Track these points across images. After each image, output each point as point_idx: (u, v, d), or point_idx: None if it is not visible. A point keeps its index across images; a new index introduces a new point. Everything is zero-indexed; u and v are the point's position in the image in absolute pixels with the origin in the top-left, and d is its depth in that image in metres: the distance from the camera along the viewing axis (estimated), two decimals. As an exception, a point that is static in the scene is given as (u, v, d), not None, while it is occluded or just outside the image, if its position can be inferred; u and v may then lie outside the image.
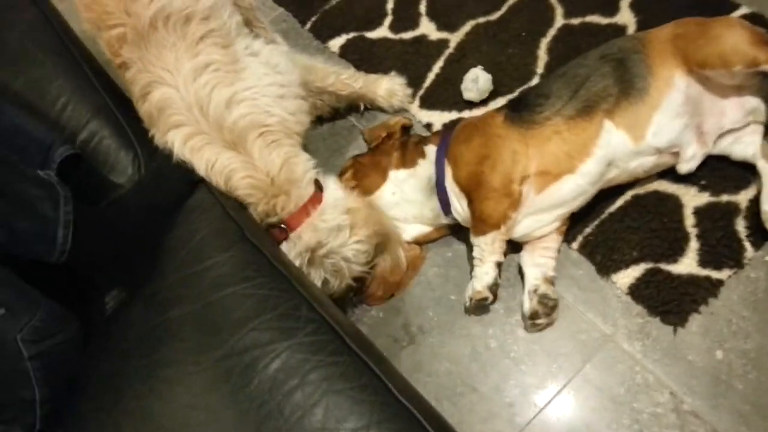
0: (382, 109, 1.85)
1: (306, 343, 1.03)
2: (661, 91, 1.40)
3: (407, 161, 1.61)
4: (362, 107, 1.84)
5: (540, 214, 1.48)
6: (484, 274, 1.46)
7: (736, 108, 1.46)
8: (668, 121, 1.41)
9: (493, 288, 1.47)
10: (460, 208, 1.51)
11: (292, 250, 1.37)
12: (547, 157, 1.43)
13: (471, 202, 1.47)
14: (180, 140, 1.30)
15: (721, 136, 1.49)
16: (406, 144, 1.64)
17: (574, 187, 1.45)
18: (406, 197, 1.60)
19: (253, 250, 1.16)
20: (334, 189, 1.45)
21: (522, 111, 1.47)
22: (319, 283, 1.39)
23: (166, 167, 1.32)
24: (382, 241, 1.49)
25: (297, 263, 1.36)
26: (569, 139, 1.42)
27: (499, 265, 1.47)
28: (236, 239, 1.18)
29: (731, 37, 1.37)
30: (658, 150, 1.45)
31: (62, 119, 1.36)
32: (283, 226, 1.38)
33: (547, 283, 1.48)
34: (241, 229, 1.20)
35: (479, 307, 1.51)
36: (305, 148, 1.50)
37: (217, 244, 1.18)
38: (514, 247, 1.56)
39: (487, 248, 1.46)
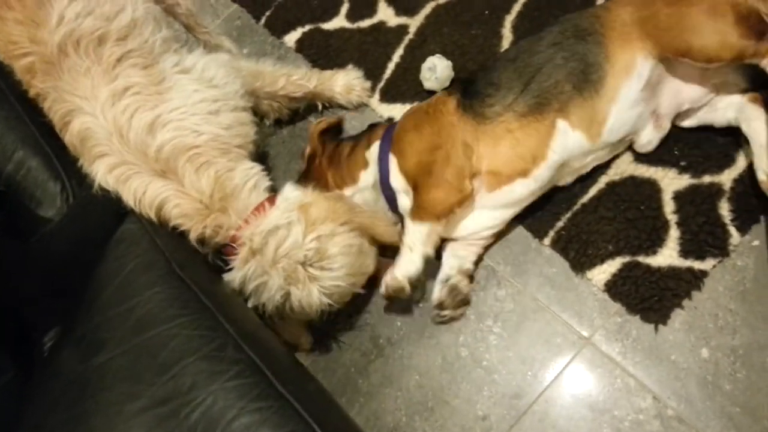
0: (341, 106, 1.75)
1: (229, 388, 0.95)
2: (618, 79, 1.28)
3: (346, 178, 1.50)
4: (320, 106, 1.74)
5: (488, 210, 1.39)
6: (408, 263, 1.35)
7: (697, 87, 1.33)
8: (625, 113, 1.30)
9: (414, 282, 1.36)
10: (407, 203, 1.40)
11: (238, 267, 1.27)
12: (499, 158, 1.33)
13: (416, 189, 1.36)
14: (104, 171, 1.23)
15: (684, 112, 1.38)
16: (336, 157, 1.53)
17: (526, 191, 1.36)
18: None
19: (180, 285, 1.09)
20: (289, 190, 1.35)
21: (472, 100, 1.35)
22: (276, 300, 1.25)
23: (94, 197, 1.25)
24: (361, 233, 1.34)
25: (246, 281, 1.26)
26: (522, 139, 1.31)
27: (427, 259, 1.36)
28: (163, 273, 1.11)
29: (715, 28, 1.21)
30: (612, 144, 1.34)
31: (-13, 152, 1.30)
32: (231, 244, 1.29)
33: (462, 275, 1.41)
34: (168, 263, 1.13)
35: (394, 298, 1.40)
36: (264, 156, 1.42)
37: (143, 280, 1.11)
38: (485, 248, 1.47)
39: (420, 238, 1.35)
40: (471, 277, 1.44)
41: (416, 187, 1.37)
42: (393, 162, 1.41)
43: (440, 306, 1.40)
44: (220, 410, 0.93)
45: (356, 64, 1.75)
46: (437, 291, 1.41)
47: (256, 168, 1.36)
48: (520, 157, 1.32)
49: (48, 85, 1.25)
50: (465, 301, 1.42)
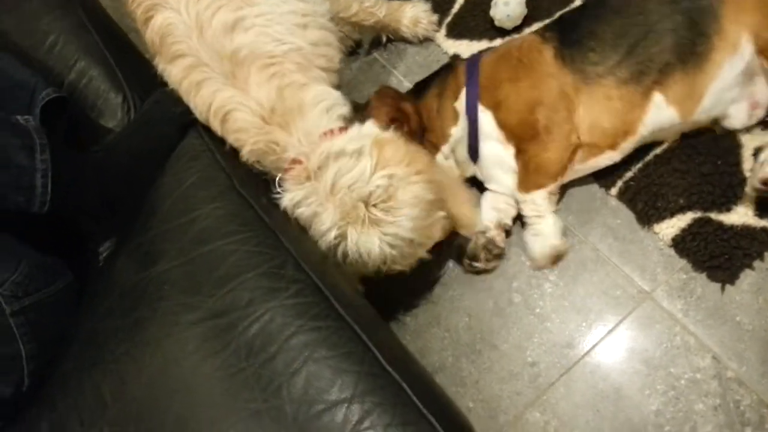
0: (405, 39, 1.69)
1: (288, 306, 0.94)
2: (724, 55, 1.20)
3: (440, 137, 1.41)
4: (384, 39, 1.68)
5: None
6: (553, 226, 1.33)
7: None
8: (721, 93, 1.23)
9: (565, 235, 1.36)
10: (505, 156, 1.34)
11: (289, 189, 1.14)
12: (596, 129, 1.27)
13: (523, 154, 1.31)
14: (178, 75, 1.19)
15: None
16: (427, 116, 1.41)
17: (608, 163, 1.33)
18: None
19: (241, 202, 1.07)
20: (368, 125, 1.18)
21: (573, 50, 1.28)
22: (330, 239, 1.10)
23: (157, 111, 1.23)
24: (437, 197, 1.18)
25: (296, 206, 1.13)
26: (619, 109, 1.25)
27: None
28: (224, 189, 1.09)
29: None
30: (698, 123, 1.28)
31: (50, 59, 1.28)
32: (289, 166, 1.15)
33: (499, 229, 1.37)
34: (230, 179, 1.11)
35: (558, 259, 1.37)
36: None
37: (203, 194, 1.09)
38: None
39: (545, 204, 1.32)
40: (508, 232, 1.40)
41: (522, 150, 1.32)
42: (486, 114, 1.34)
43: (474, 257, 1.37)
44: (278, 326, 0.92)
45: (424, -3, 1.68)
46: (473, 241, 1.38)
47: (335, 93, 1.23)
48: (614, 128, 1.27)
49: None
50: (499, 255, 1.38)
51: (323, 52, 1.27)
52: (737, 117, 1.29)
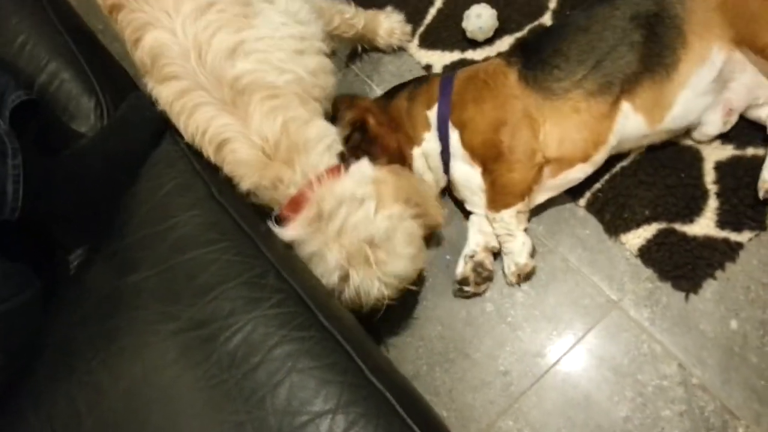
0: (379, 49, 1.70)
1: (271, 316, 0.93)
2: (691, 66, 1.24)
3: (410, 139, 1.42)
4: (359, 49, 1.69)
5: (536, 194, 1.38)
6: (521, 245, 1.35)
7: None
8: (692, 101, 1.27)
9: (533, 255, 1.37)
10: (471, 174, 1.38)
11: (298, 225, 1.15)
12: (565, 142, 1.30)
13: (489, 174, 1.34)
14: (171, 96, 1.14)
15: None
16: (395, 116, 1.42)
17: (582, 176, 1.35)
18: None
19: (220, 210, 1.06)
20: (364, 164, 1.22)
21: (537, 71, 1.31)
22: (333, 279, 1.14)
23: (131, 115, 1.20)
24: (420, 211, 1.26)
25: (302, 243, 1.16)
26: (588, 121, 1.28)
27: (526, 231, 1.37)
28: (202, 197, 1.08)
29: None
30: (670, 132, 1.32)
31: (19, 61, 1.24)
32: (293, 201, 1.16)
33: (488, 252, 1.39)
34: (207, 186, 1.10)
35: (527, 278, 1.39)
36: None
37: (180, 201, 1.08)
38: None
39: (513, 222, 1.34)
40: (495, 254, 1.41)
41: (488, 170, 1.34)
42: (454, 133, 1.37)
43: (464, 282, 1.39)
44: (260, 337, 0.91)
45: (397, 7, 1.69)
46: (461, 266, 1.39)
47: (333, 129, 1.25)
48: (584, 140, 1.29)
49: None
50: (489, 278, 1.39)
51: (320, 82, 1.25)
52: (712, 124, 1.33)
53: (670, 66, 1.25)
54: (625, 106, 1.28)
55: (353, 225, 1.13)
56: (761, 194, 1.27)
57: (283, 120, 1.14)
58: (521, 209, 1.34)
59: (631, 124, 1.29)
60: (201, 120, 1.15)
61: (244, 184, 1.17)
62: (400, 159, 1.38)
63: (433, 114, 1.40)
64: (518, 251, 1.35)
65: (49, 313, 1.09)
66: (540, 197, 1.39)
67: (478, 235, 1.40)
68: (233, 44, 1.12)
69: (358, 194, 1.15)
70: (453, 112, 1.37)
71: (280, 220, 1.17)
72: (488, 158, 1.33)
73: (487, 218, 1.38)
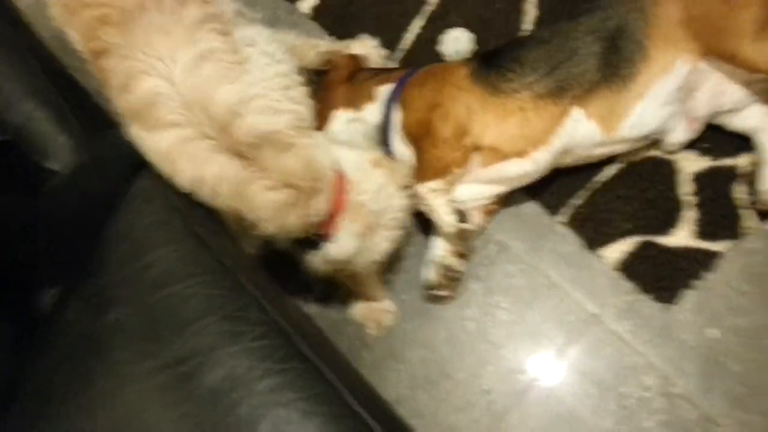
0: (355, 75, 1.70)
1: (253, 349, 0.93)
2: (652, 78, 1.26)
3: (352, 101, 1.49)
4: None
5: (476, 185, 1.38)
6: (444, 207, 1.34)
7: (741, 91, 1.30)
8: (652, 111, 1.29)
9: (462, 219, 1.36)
10: (403, 151, 1.41)
11: (347, 234, 1.27)
12: (503, 135, 1.31)
13: (418, 151, 1.37)
14: (164, 144, 1.12)
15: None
16: (354, 78, 1.51)
17: (520, 171, 1.35)
18: (351, 139, 1.48)
19: (198, 244, 1.05)
20: (346, 154, 1.33)
21: (491, 74, 1.33)
22: (386, 246, 1.32)
23: (107, 152, 1.20)
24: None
25: (355, 251, 1.28)
26: (531, 120, 1.30)
27: (451, 203, 1.36)
28: (179, 231, 1.07)
29: None
30: (632, 140, 1.33)
31: (-9, 100, 1.23)
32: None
33: (456, 255, 1.39)
34: (185, 221, 1.09)
35: (462, 239, 1.38)
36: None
37: (158, 236, 1.07)
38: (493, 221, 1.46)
39: (434, 196, 1.34)
40: (462, 255, 1.41)
41: (418, 149, 1.37)
42: (398, 113, 1.40)
43: (436, 286, 1.39)
44: (244, 371, 0.90)
45: (373, 33, 1.70)
46: (428, 272, 1.40)
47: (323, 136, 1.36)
48: (523, 137, 1.30)
49: (118, 40, 1.13)
50: (458, 279, 1.41)
51: (306, 108, 1.28)
52: (677, 132, 1.35)
53: (627, 77, 1.27)
54: (577, 111, 1.29)
55: (387, 208, 1.31)
56: (764, 206, 1.30)
57: (299, 153, 1.18)
58: (435, 187, 1.33)
59: (583, 129, 1.30)
60: (213, 171, 1.13)
61: (271, 227, 1.20)
62: (322, 112, 1.48)
63: (382, 90, 1.45)
64: (444, 214, 1.34)
65: (24, 356, 1.07)
66: (476, 188, 1.38)
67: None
68: (237, 94, 1.12)
69: (380, 181, 1.30)
70: (401, 94, 1.41)
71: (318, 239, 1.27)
72: (420, 136, 1.36)
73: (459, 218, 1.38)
